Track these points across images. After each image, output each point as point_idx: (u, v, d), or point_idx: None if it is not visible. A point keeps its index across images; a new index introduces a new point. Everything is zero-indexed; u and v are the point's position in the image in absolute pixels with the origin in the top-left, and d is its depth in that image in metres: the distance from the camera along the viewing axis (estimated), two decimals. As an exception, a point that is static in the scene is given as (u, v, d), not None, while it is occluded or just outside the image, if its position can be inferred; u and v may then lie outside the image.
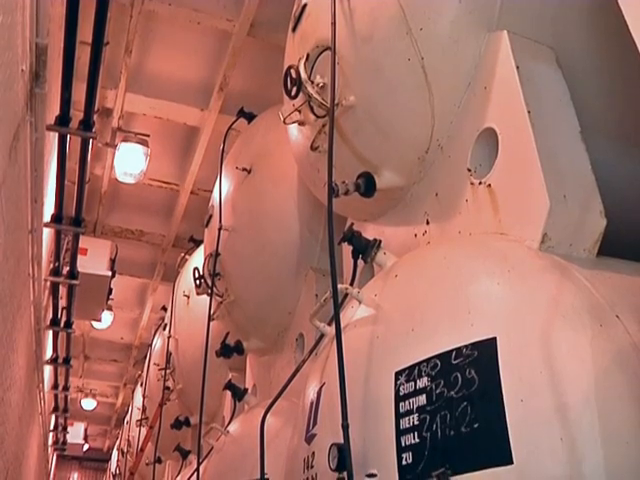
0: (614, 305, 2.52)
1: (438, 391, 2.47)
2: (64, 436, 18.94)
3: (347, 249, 3.70)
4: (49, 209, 6.96)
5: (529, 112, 2.95)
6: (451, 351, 2.52)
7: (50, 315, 9.70)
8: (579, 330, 2.46)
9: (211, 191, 6.95)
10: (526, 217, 2.89)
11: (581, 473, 2.23)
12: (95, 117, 6.04)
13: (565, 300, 2.55)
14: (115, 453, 19.62)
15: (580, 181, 2.91)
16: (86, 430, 21.76)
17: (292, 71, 3.82)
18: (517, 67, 3.05)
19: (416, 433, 2.47)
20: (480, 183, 3.14)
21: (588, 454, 2.25)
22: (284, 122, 4.33)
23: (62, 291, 9.11)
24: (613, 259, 2.92)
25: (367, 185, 3.67)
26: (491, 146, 3.12)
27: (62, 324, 9.79)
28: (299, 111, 4.11)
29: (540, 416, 2.32)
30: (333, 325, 2.96)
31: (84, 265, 8.89)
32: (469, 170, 3.24)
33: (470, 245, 3.12)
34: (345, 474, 2.49)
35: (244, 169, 5.92)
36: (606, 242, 2.87)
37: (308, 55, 3.81)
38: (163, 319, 11.14)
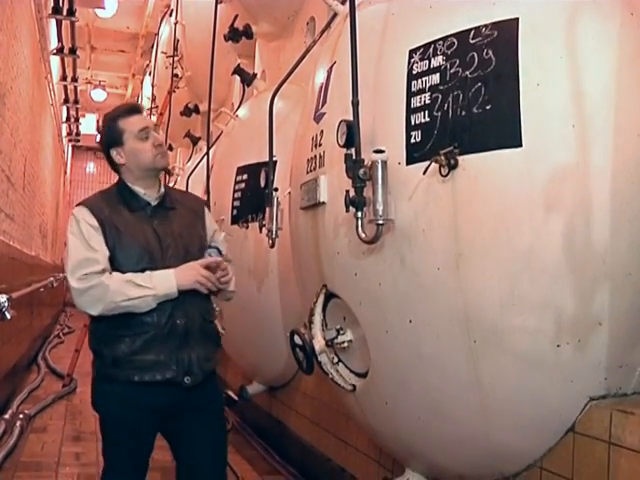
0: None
1: (452, 71, 2.39)
2: (77, 127, 19.23)
3: None
4: None
5: None
6: (469, 30, 2.39)
7: (51, 3, 9.34)
8: (608, 16, 2.33)
9: None
10: None
11: (588, 160, 2.23)
12: None
13: (596, -17, 2.36)
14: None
15: None
16: (98, 121, 21.93)
17: None
18: None
19: (427, 112, 2.42)
20: None
21: (598, 142, 2.24)
22: None
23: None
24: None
25: None
26: None
27: (65, 12, 9.43)
28: None
29: (555, 102, 2.27)
30: (347, 2, 2.78)
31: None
32: None
33: None
34: (353, 150, 2.49)
35: None
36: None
37: None
38: (169, 5, 10.78)
